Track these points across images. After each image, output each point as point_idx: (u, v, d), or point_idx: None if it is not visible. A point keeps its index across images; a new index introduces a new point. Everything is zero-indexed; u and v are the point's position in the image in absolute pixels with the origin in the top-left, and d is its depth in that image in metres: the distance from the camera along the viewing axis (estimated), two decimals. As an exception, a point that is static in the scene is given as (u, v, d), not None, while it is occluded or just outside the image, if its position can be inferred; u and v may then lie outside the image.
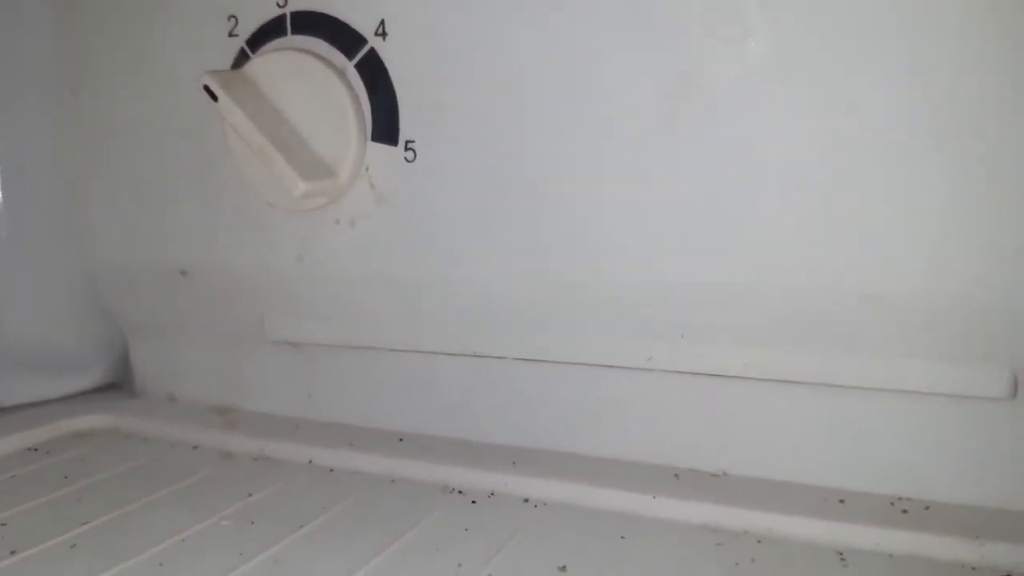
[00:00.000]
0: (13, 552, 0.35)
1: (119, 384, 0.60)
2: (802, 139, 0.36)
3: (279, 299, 0.50)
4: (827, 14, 0.35)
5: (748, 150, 0.37)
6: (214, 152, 0.48)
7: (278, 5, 0.46)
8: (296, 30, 0.45)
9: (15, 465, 0.46)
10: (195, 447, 0.49)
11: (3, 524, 0.38)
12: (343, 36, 0.44)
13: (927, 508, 0.38)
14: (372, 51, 0.44)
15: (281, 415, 0.52)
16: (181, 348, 0.56)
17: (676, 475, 0.42)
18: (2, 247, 0.55)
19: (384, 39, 0.43)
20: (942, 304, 0.36)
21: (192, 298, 0.53)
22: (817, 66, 0.36)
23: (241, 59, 0.47)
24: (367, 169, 0.45)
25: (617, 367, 0.43)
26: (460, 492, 0.41)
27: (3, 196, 0.54)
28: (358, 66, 0.44)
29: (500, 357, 0.46)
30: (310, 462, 0.46)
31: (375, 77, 0.44)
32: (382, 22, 0.43)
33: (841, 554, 0.35)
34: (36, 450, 0.49)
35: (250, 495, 0.41)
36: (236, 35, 0.47)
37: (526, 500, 0.40)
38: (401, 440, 0.47)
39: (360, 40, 0.44)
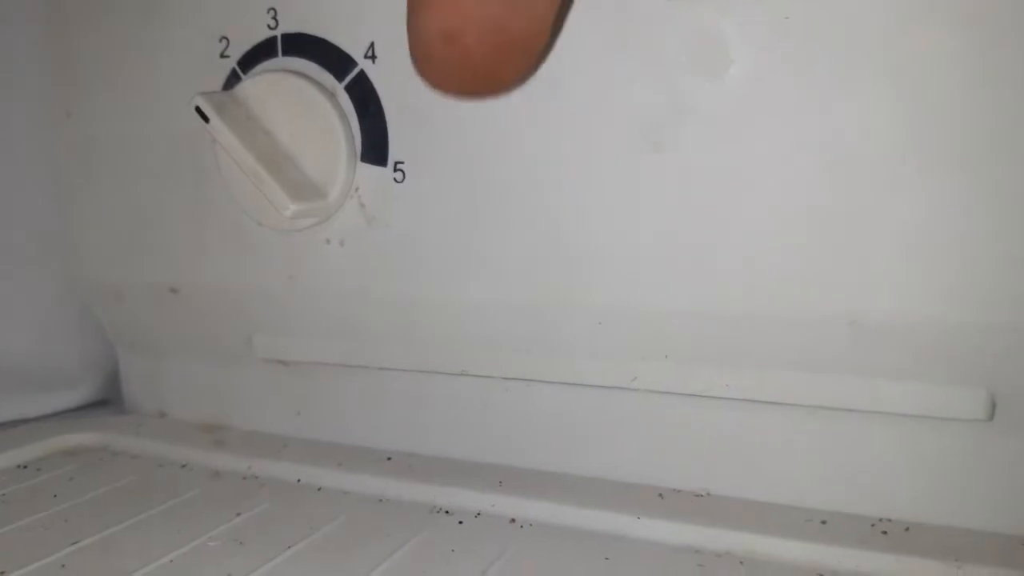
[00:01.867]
0: (2, 573, 0.36)
1: (109, 400, 0.60)
2: (783, 164, 0.37)
3: (269, 317, 0.51)
4: (811, 39, 0.36)
5: (731, 176, 0.38)
6: (205, 171, 0.49)
7: (269, 27, 0.46)
8: (287, 52, 0.46)
9: (5, 483, 0.46)
10: (184, 465, 0.49)
11: (-7, 544, 0.39)
12: (333, 58, 0.45)
13: (907, 530, 0.38)
14: (362, 73, 0.44)
15: (270, 432, 0.53)
16: (171, 365, 0.56)
17: (660, 495, 0.42)
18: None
19: (374, 62, 0.44)
20: (919, 326, 0.37)
21: (182, 315, 0.53)
22: (799, 92, 0.36)
23: (232, 80, 0.47)
24: (357, 189, 0.45)
25: (602, 387, 0.44)
26: (447, 512, 0.42)
27: (-6, 213, 0.54)
28: (348, 88, 0.45)
29: (488, 376, 0.46)
30: (299, 481, 0.46)
31: (365, 99, 0.44)
32: (372, 45, 0.44)
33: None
34: (26, 467, 0.49)
35: (238, 515, 0.42)
36: (227, 56, 0.48)
37: (512, 520, 0.41)
38: (389, 459, 0.48)
39: (350, 62, 0.44)
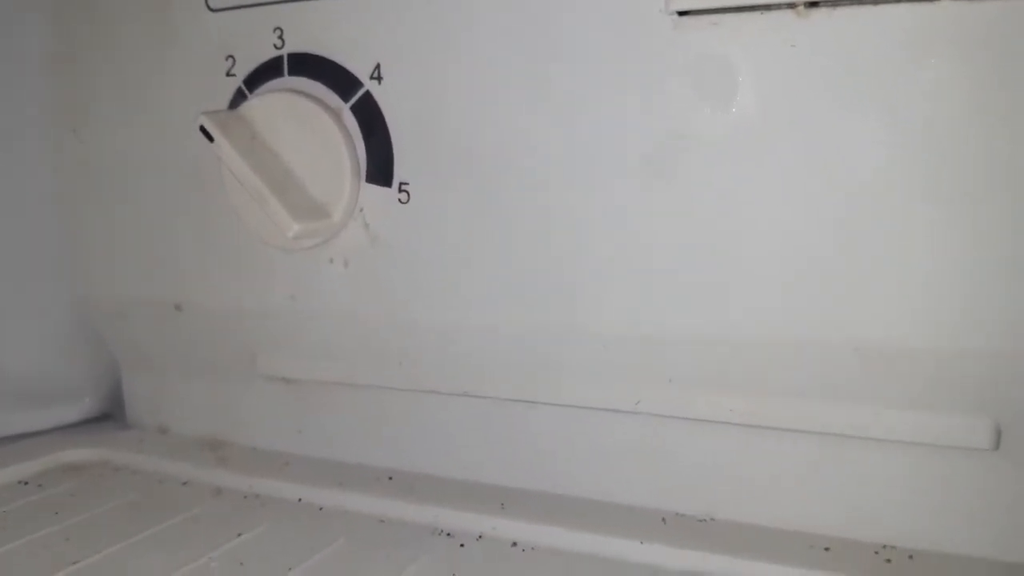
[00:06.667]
0: (2, 594, 0.36)
1: (111, 415, 0.60)
2: (788, 192, 0.37)
3: (272, 335, 0.51)
4: (815, 68, 0.36)
5: (735, 202, 0.38)
6: (210, 189, 0.49)
7: (275, 47, 0.46)
8: (293, 71, 0.46)
9: (6, 499, 0.46)
10: (185, 483, 0.49)
11: (-6, 564, 0.39)
12: (339, 79, 0.45)
13: (911, 557, 0.38)
14: (367, 94, 0.44)
15: (271, 449, 0.53)
16: (174, 381, 0.56)
17: (664, 519, 0.42)
18: (-2, 277, 0.55)
19: (379, 83, 0.44)
20: (925, 354, 0.37)
21: (186, 332, 0.53)
22: (804, 120, 0.36)
23: (238, 98, 0.47)
24: (361, 210, 0.45)
25: (605, 410, 0.43)
26: (449, 534, 0.42)
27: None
28: (353, 108, 0.45)
29: (490, 397, 0.46)
30: (300, 500, 0.46)
31: (370, 119, 0.44)
32: (378, 66, 0.44)
33: (825, 604, 0.35)
34: (27, 483, 0.49)
35: (239, 535, 0.41)
36: (234, 75, 0.48)
37: (514, 544, 0.41)
38: (391, 478, 0.48)
39: (356, 83, 0.44)
